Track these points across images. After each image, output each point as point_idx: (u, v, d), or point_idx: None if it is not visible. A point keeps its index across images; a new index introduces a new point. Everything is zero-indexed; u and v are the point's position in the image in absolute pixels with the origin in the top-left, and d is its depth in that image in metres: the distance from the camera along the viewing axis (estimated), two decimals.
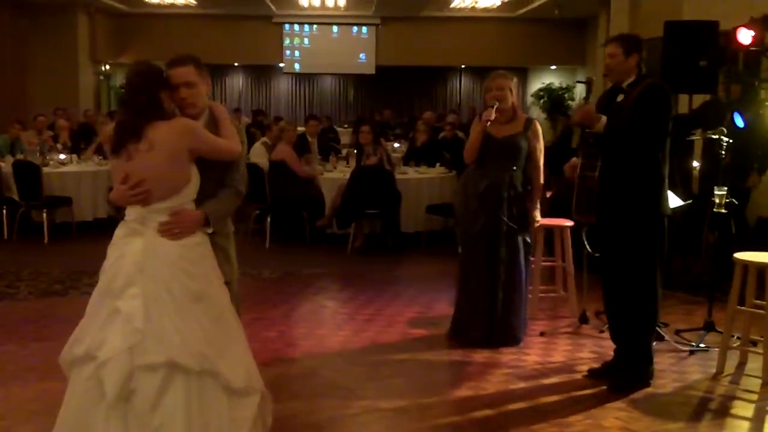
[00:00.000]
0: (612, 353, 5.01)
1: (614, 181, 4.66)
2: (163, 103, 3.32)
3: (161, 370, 3.06)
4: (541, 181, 5.61)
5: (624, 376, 4.75)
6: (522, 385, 4.87)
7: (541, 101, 20.59)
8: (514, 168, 5.49)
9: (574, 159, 5.01)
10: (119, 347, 3.07)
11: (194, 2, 18.13)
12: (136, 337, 3.07)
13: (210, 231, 3.36)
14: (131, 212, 3.29)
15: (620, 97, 4.74)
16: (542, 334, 5.87)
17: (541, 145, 5.62)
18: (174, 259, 3.20)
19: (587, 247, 5.49)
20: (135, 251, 3.21)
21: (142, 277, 3.16)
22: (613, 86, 4.85)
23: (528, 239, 5.61)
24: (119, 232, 3.32)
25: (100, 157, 10.53)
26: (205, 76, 3.58)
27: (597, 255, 5.10)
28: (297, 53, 20.54)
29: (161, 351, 3.06)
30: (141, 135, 3.22)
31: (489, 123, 5.38)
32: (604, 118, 4.58)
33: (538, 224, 5.68)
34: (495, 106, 5.40)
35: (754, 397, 4.72)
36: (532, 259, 6.28)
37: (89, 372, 3.13)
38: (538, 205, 5.62)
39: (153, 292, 3.13)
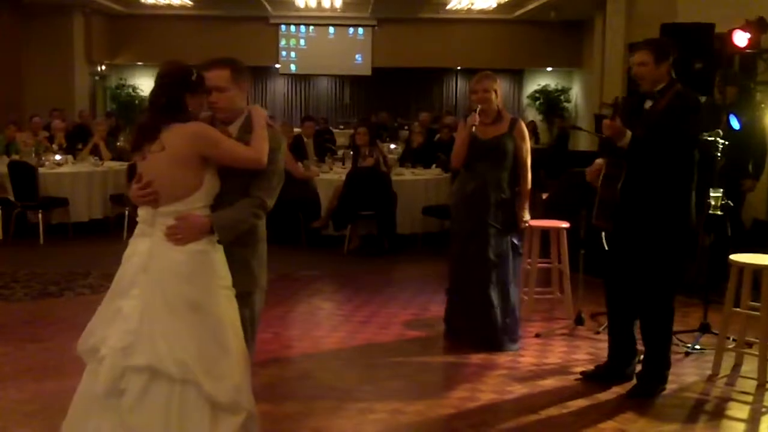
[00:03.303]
0: (606, 356, 5.02)
1: (642, 191, 4.55)
2: (186, 105, 3.29)
3: (145, 372, 3.09)
4: (529, 180, 5.59)
5: (647, 382, 4.73)
6: (517, 386, 4.87)
7: (537, 103, 20.62)
8: (501, 169, 5.50)
9: (597, 161, 4.89)
10: (115, 346, 3.12)
11: (190, 3, 18.12)
12: (128, 337, 3.11)
13: (216, 239, 3.29)
14: (141, 213, 3.30)
15: (648, 104, 4.63)
16: (538, 335, 5.88)
17: (527, 145, 5.60)
18: (174, 264, 3.19)
19: (606, 246, 5.38)
20: (142, 252, 3.23)
21: (144, 279, 3.18)
22: (638, 91, 4.73)
23: (516, 240, 5.60)
24: (135, 232, 3.35)
25: (96, 158, 10.53)
26: (242, 81, 3.52)
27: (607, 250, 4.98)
28: (293, 54, 20.54)
29: (146, 354, 3.09)
30: (156, 136, 3.23)
31: (474, 128, 5.40)
32: (629, 134, 4.48)
33: (526, 225, 5.68)
34: (477, 110, 5.42)
35: (750, 398, 4.73)
36: (528, 261, 6.30)
37: (94, 365, 3.21)
38: (527, 206, 5.60)
39: (150, 295, 3.15)
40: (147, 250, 3.22)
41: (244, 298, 3.45)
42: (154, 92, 3.32)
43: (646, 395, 4.66)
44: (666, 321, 4.72)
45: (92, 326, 3.27)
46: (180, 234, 3.20)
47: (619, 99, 4.73)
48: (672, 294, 4.71)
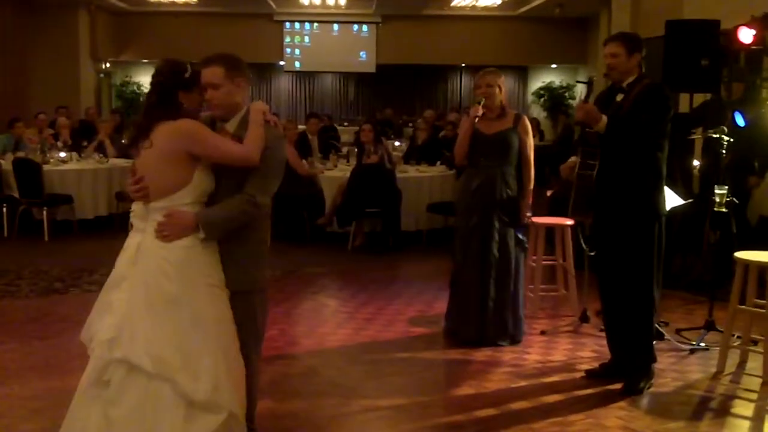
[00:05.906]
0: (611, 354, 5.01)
1: (613, 180, 4.64)
2: (178, 102, 3.32)
3: (124, 365, 3.13)
4: (532, 176, 5.61)
5: (637, 377, 4.73)
6: (523, 383, 4.87)
7: (542, 100, 20.59)
8: (506, 165, 5.50)
9: (572, 158, 4.99)
10: (101, 338, 3.19)
11: (195, 0, 18.12)
12: (113, 330, 3.16)
13: (202, 236, 3.26)
14: (136, 208, 3.36)
15: (620, 97, 4.72)
16: (543, 332, 5.87)
17: (531, 141, 5.63)
18: (156, 259, 3.22)
19: (583, 245, 5.49)
20: (133, 246, 3.29)
21: (132, 273, 3.24)
22: (612, 85, 4.84)
23: (521, 236, 5.61)
24: (134, 226, 3.40)
25: (101, 155, 10.55)
26: (238, 77, 3.46)
27: (592, 253, 5.10)
28: (297, 51, 20.52)
29: (124, 348, 3.12)
30: (147, 133, 3.27)
31: (477, 119, 5.41)
32: (605, 118, 4.55)
33: (529, 219, 5.69)
34: (481, 102, 5.44)
35: (755, 396, 4.73)
36: (533, 258, 6.30)
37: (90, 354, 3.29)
38: (529, 201, 5.62)
39: (135, 289, 3.20)
40: (137, 245, 3.27)
41: (240, 296, 3.41)
42: (149, 90, 3.40)
43: (634, 392, 4.66)
44: (645, 313, 4.72)
45: (90, 319, 3.34)
46: (166, 231, 3.23)
47: (594, 78, 4.78)
48: (649, 286, 4.70)
